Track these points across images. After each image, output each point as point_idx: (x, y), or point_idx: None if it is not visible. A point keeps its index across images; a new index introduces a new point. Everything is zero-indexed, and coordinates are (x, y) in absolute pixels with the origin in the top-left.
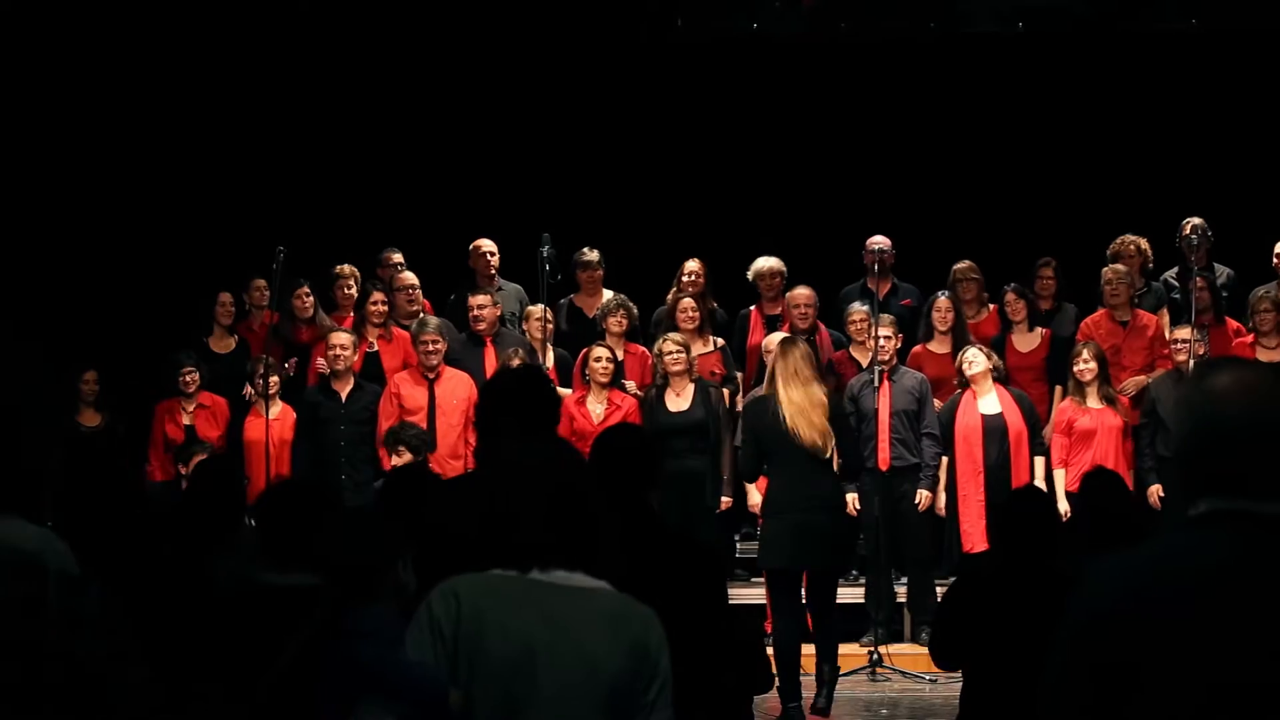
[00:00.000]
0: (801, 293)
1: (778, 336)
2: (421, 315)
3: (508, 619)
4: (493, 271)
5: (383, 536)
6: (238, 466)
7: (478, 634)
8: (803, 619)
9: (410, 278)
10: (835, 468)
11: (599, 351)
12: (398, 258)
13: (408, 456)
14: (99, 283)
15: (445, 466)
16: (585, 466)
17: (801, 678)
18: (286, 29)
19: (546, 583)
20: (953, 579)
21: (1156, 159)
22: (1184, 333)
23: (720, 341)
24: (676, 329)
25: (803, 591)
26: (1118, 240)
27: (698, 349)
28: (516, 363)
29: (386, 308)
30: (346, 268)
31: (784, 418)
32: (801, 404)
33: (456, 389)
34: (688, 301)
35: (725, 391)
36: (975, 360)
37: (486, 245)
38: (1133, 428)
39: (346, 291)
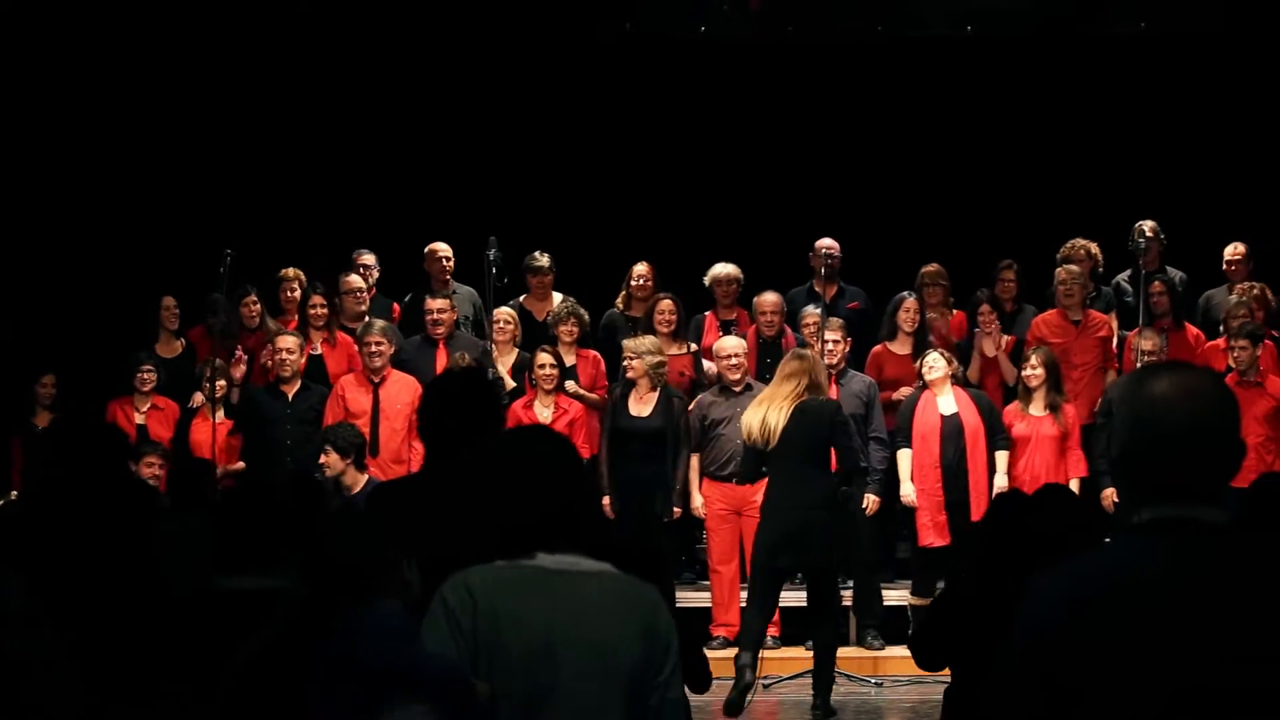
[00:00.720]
0: (769, 299)
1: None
2: (367, 318)
3: (523, 610)
4: (448, 276)
5: (385, 534)
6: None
7: (495, 627)
8: (770, 615)
9: (356, 280)
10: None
11: (543, 357)
12: (368, 259)
13: (334, 457)
14: (54, 287)
15: (387, 470)
16: (573, 451)
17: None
18: (236, 36)
19: (555, 570)
20: (896, 581)
21: (1107, 162)
22: (1150, 344)
23: (694, 346)
24: (651, 331)
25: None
26: (1068, 244)
27: (670, 351)
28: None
29: (327, 311)
30: (291, 271)
31: (749, 417)
32: (762, 399)
33: (401, 393)
34: (667, 304)
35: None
36: (935, 365)
37: (442, 249)
38: (1089, 430)
39: (290, 295)
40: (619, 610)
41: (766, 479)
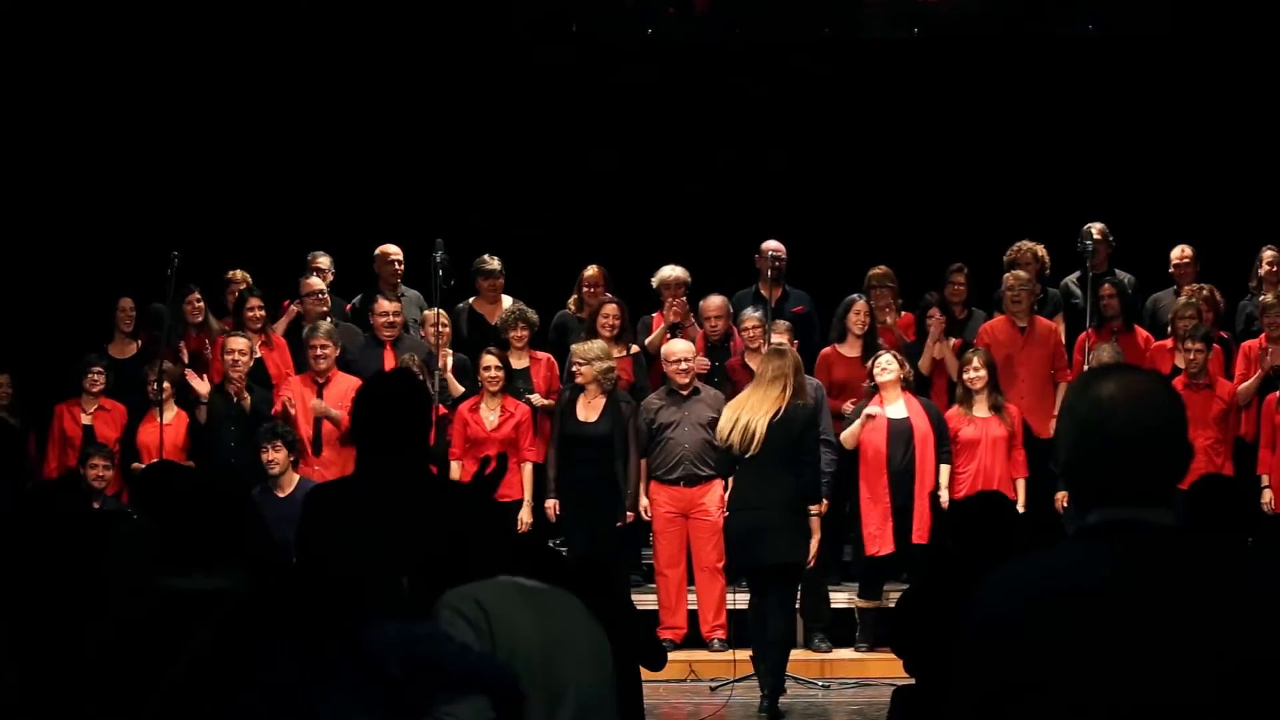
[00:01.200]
0: (714, 302)
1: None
2: (314, 321)
3: (523, 619)
4: (398, 278)
5: (387, 548)
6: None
7: (509, 634)
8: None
9: (316, 283)
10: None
11: (488, 360)
12: (323, 261)
13: (283, 453)
14: (9, 289)
15: (329, 470)
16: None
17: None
18: (186, 42)
19: (523, 584)
20: (844, 584)
21: (1055, 164)
22: (1107, 355)
23: (635, 348)
24: (595, 334)
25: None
26: (1014, 247)
27: (614, 354)
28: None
29: (264, 313)
30: (239, 273)
31: (725, 420)
32: (742, 404)
33: (346, 394)
34: (610, 308)
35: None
36: (888, 367)
37: (394, 252)
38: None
39: (237, 297)
40: (580, 613)
41: (720, 478)
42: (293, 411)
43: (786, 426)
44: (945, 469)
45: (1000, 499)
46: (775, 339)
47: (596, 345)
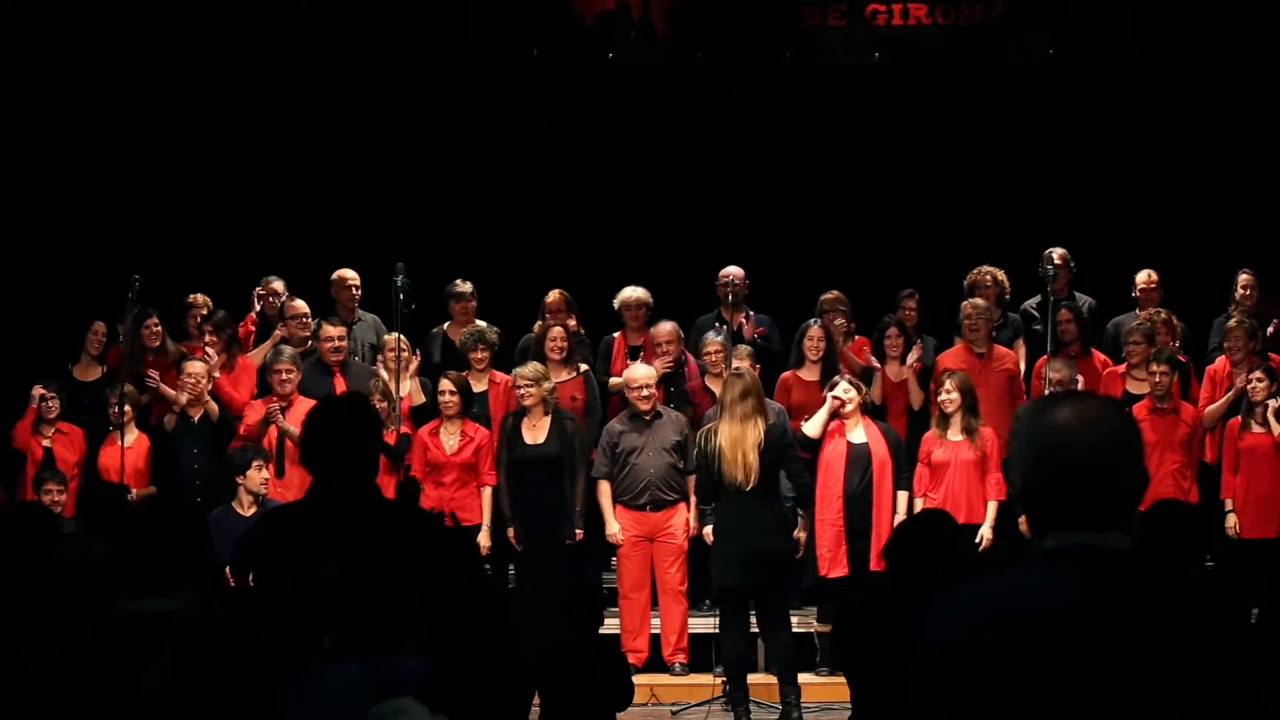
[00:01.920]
0: (665, 328)
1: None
2: (277, 345)
3: None
4: (355, 303)
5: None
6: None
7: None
8: (747, 635)
9: (301, 306)
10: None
11: (444, 384)
12: (278, 285)
13: (263, 473)
14: None
15: (289, 491)
16: None
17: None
18: (145, 65)
19: None
20: (804, 608)
21: (1016, 189)
22: (1059, 374)
23: (584, 366)
24: (543, 358)
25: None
26: (974, 271)
27: (560, 377)
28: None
29: (218, 339)
30: (199, 297)
31: (718, 452)
32: (735, 440)
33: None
34: (557, 331)
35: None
36: (847, 394)
37: (350, 276)
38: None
39: (199, 321)
40: None
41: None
42: (279, 421)
43: (770, 451)
44: (904, 495)
45: (938, 517)
46: (736, 363)
47: (536, 367)
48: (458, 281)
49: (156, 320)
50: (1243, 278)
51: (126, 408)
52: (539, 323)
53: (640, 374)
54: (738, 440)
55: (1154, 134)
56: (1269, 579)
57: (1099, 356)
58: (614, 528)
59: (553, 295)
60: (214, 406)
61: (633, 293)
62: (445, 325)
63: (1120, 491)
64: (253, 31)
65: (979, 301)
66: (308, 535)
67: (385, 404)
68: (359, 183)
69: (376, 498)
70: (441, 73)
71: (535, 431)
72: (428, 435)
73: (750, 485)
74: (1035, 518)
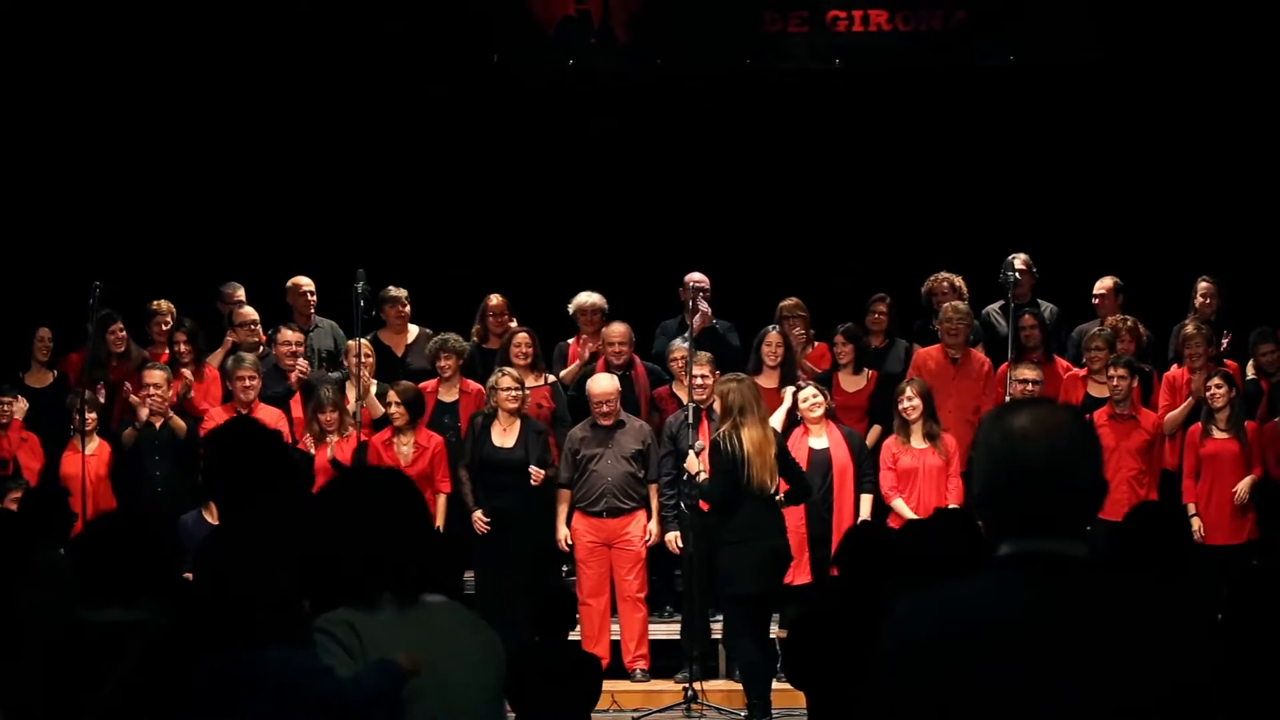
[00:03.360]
0: (617, 329)
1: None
2: (237, 352)
3: (396, 639)
4: (311, 309)
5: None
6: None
7: (381, 655)
8: (770, 643)
9: (250, 313)
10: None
11: (391, 395)
12: (240, 294)
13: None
14: None
15: None
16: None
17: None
18: (108, 70)
19: (416, 605)
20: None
21: (978, 194)
22: (1031, 373)
23: (552, 378)
24: (508, 362)
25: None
26: (932, 278)
27: (528, 383)
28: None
29: (191, 347)
30: (163, 304)
31: (744, 458)
32: (760, 444)
33: (268, 426)
34: (523, 336)
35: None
36: (814, 401)
37: (305, 283)
38: (968, 463)
39: (162, 328)
40: (472, 629)
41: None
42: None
43: (782, 455)
44: (867, 499)
45: (876, 528)
46: (697, 370)
47: (514, 373)
48: (390, 287)
49: (121, 326)
50: (1202, 285)
51: (89, 415)
52: (476, 328)
53: (601, 387)
54: (762, 444)
55: (1116, 139)
56: (1232, 584)
57: (1061, 363)
58: (563, 533)
59: (495, 299)
60: (181, 424)
61: (588, 298)
62: (377, 331)
63: (1077, 498)
64: (212, 39)
65: (960, 305)
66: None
67: (336, 414)
68: (320, 188)
69: (293, 505)
70: (402, 80)
71: (505, 436)
72: (381, 445)
73: (773, 489)
74: (992, 524)
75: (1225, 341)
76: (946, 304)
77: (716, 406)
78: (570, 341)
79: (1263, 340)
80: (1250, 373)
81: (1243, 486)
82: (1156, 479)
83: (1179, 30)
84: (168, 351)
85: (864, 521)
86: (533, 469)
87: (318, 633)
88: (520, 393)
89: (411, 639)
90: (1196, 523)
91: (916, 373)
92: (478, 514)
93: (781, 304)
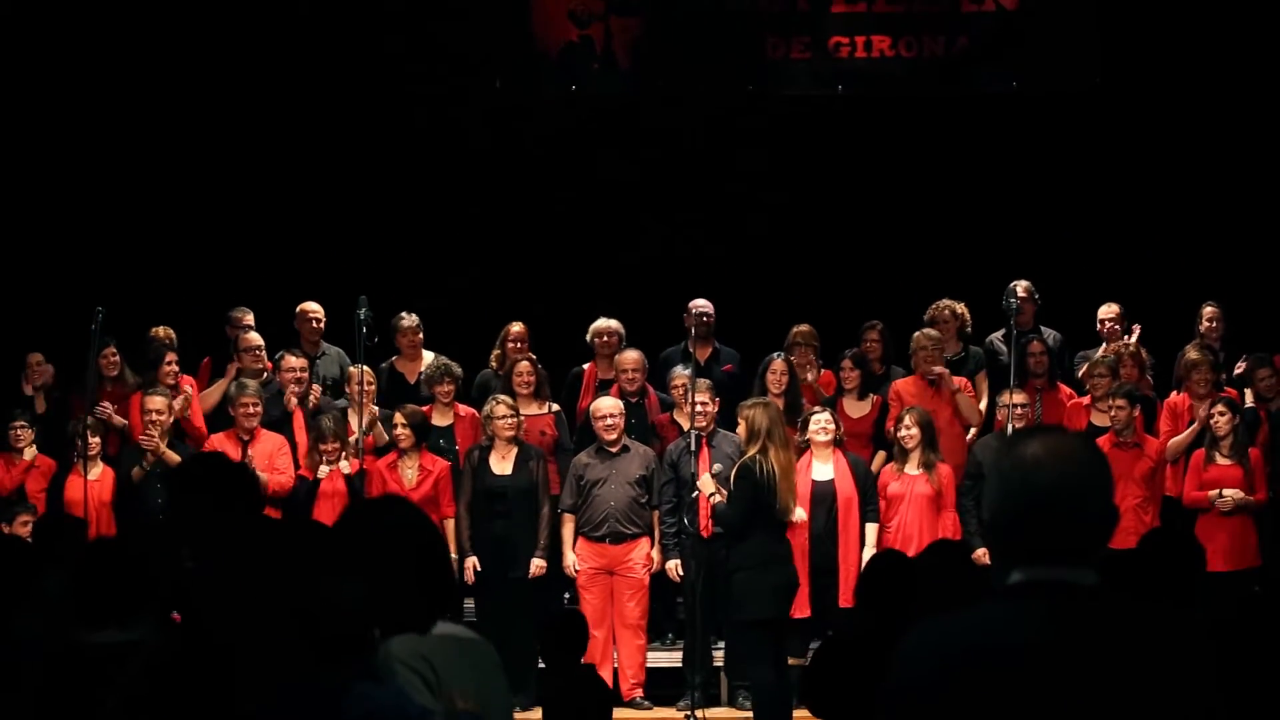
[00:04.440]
0: (630, 356)
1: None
2: (240, 378)
3: (463, 676)
4: (319, 336)
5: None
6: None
7: (451, 690)
8: (788, 669)
9: (255, 339)
10: None
11: (398, 418)
12: (249, 319)
13: None
14: None
15: None
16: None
17: None
18: (108, 94)
19: (459, 635)
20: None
21: (980, 221)
22: (1019, 397)
23: (555, 406)
24: (511, 391)
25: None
26: (934, 305)
27: (530, 411)
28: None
29: (178, 369)
30: (162, 330)
31: (774, 480)
32: (787, 467)
33: (271, 453)
34: (524, 365)
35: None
36: (825, 427)
37: (313, 309)
38: (958, 491)
39: (151, 353)
40: (493, 660)
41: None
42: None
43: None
44: (872, 528)
45: (898, 558)
46: (698, 397)
47: (505, 399)
48: (402, 314)
49: (114, 350)
50: (1207, 310)
51: (92, 440)
52: (496, 352)
53: (606, 405)
54: (788, 468)
55: (1118, 166)
56: (1237, 611)
57: (1064, 389)
58: (570, 559)
59: (517, 326)
60: (174, 457)
61: (604, 323)
62: (393, 359)
63: (1088, 526)
64: (216, 64)
65: (933, 332)
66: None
67: (337, 444)
68: (325, 214)
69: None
70: (406, 105)
71: (503, 463)
72: (385, 468)
73: (794, 514)
74: (1002, 551)
75: (1135, 330)
76: (918, 332)
77: (740, 431)
78: (585, 367)
79: (1260, 365)
80: (1249, 400)
81: (1232, 493)
82: (1159, 505)
83: (1180, 56)
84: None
85: (887, 551)
86: (534, 562)
87: (400, 665)
88: (516, 420)
89: (472, 674)
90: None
91: (898, 404)
92: (471, 561)
93: (795, 329)
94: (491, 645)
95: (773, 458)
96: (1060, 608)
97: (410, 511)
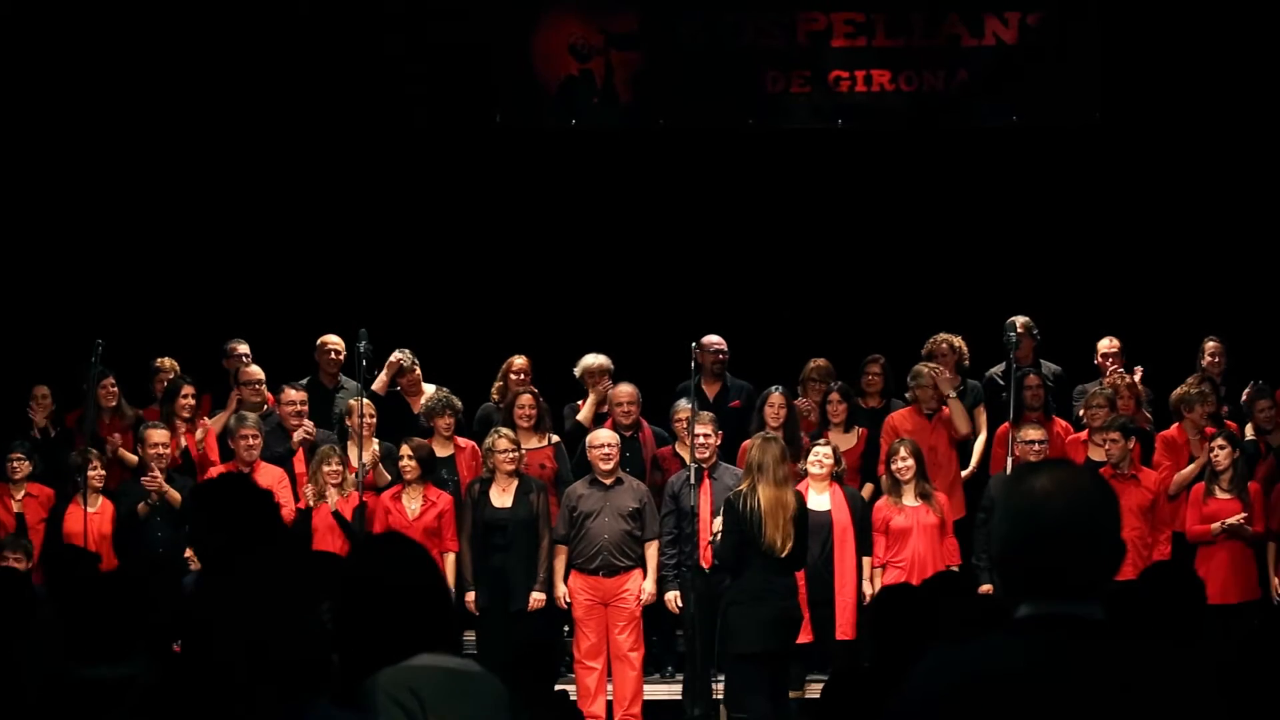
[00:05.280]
0: (624, 390)
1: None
2: (239, 411)
3: (452, 708)
4: (336, 369)
5: (325, 628)
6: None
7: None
8: (783, 700)
9: (256, 372)
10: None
11: (404, 449)
12: (243, 349)
13: None
14: None
15: None
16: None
17: None
18: (109, 124)
19: (449, 666)
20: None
21: (980, 255)
22: (1035, 433)
23: (555, 438)
24: (512, 424)
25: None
26: (932, 339)
27: (530, 444)
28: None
29: (194, 401)
30: (166, 361)
31: (759, 517)
32: (775, 503)
33: (270, 485)
34: (526, 398)
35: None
36: (823, 461)
37: (333, 341)
38: (970, 525)
39: (165, 385)
40: (491, 692)
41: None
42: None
43: (801, 519)
44: (866, 561)
45: (908, 590)
46: (700, 429)
47: (511, 434)
48: (396, 352)
49: (113, 381)
50: (1210, 344)
51: (92, 472)
52: (498, 384)
53: (603, 436)
54: (778, 504)
55: (1118, 200)
56: (1237, 645)
57: (1060, 423)
58: (561, 590)
59: (519, 360)
60: (175, 495)
61: (594, 359)
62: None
63: (1096, 560)
64: (215, 95)
65: (939, 366)
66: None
67: (340, 469)
68: (325, 249)
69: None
70: (408, 138)
71: (504, 495)
72: (389, 500)
73: (785, 551)
74: (1010, 584)
75: (1138, 371)
76: (921, 364)
77: (740, 465)
78: (579, 403)
79: (1260, 397)
80: (1249, 433)
81: (1221, 525)
82: (1168, 539)
83: (1180, 91)
84: (159, 408)
85: (898, 584)
86: (534, 595)
87: (382, 695)
88: (517, 454)
89: (463, 708)
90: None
91: (893, 437)
92: (470, 596)
93: (815, 364)
94: (496, 678)
95: (760, 492)
96: (1066, 643)
97: (408, 546)
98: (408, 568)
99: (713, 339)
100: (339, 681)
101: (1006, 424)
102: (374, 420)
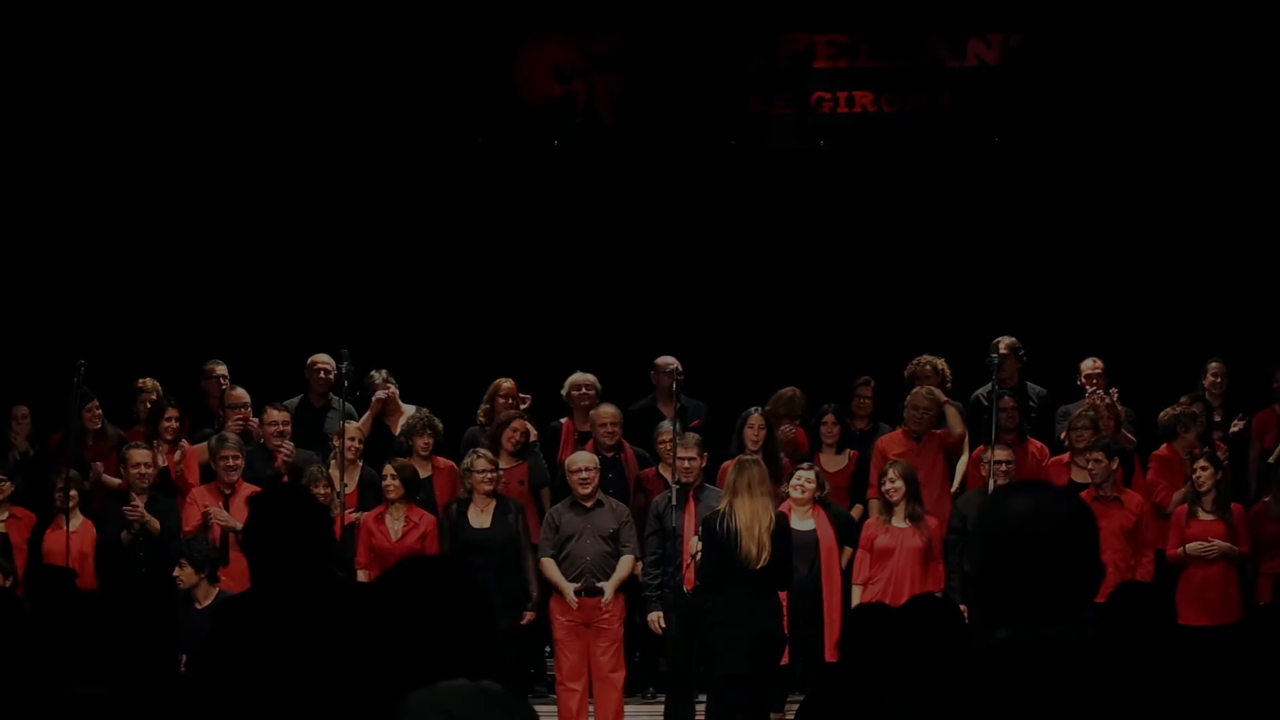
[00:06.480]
0: (607, 410)
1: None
2: (221, 432)
3: None
4: (326, 388)
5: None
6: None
7: None
8: None
9: (241, 396)
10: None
11: (387, 469)
12: (221, 370)
13: (189, 570)
14: None
15: (237, 583)
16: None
17: None
18: (86, 140)
19: (484, 689)
20: None
21: (963, 277)
22: (1002, 453)
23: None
24: (498, 446)
25: None
26: (914, 361)
27: (506, 464)
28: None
29: (178, 424)
30: (149, 381)
31: (735, 532)
32: (753, 518)
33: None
34: (520, 424)
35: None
36: (805, 485)
37: (324, 362)
38: (942, 546)
39: (148, 406)
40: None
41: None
42: (220, 519)
43: (780, 537)
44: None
45: (880, 609)
46: (683, 452)
47: (485, 454)
48: (373, 373)
49: (97, 403)
50: (1213, 365)
51: (72, 493)
52: (484, 407)
53: (581, 459)
54: (756, 519)
55: (1102, 221)
56: (1217, 667)
57: (1035, 444)
58: (568, 591)
59: (507, 383)
60: (155, 524)
61: (581, 377)
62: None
63: (1074, 582)
64: (199, 113)
65: (935, 392)
66: (258, 626)
67: (328, 490)
68: (307, 269)
69: (323, 582)
70: (389, 159)
71: (482, 516)
72: (373, 521)
73: (761, 564)
74: (987, 607)
75: (1114, 393)
76: (918, 389)
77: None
78: (563, 421)
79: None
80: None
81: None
82: (1151, 560)
83: (1167, 113)
84: (143, 428)
85: (871, 604)
86: (527, 614)
87: (411, 717)
88: (495, 474)
89: None
90: None
91: (882, 461)
92: None
93: (791, 395)
94: (525, 701)
95: (736, 510)
96: (1045, 666)
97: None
98: (448, 591)
99: (668, 359)
100: (368, 702)
101: (981, 445)
102: (356, 444)
